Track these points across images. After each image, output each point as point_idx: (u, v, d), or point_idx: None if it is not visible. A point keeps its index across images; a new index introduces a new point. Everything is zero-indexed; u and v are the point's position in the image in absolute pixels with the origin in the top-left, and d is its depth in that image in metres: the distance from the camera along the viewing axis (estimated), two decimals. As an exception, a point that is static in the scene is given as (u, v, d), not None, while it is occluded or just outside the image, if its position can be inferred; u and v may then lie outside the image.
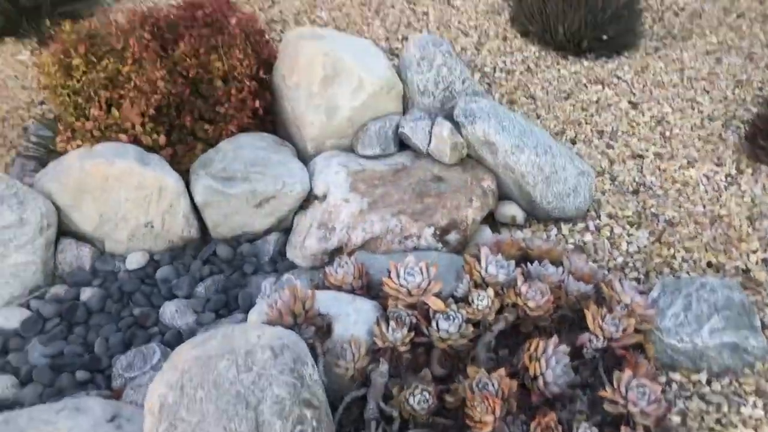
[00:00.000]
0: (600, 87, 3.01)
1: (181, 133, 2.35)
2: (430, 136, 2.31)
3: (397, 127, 2.36)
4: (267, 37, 2.62)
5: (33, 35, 2.98)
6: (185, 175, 2.26)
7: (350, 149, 2.41)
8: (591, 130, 2.77)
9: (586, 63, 3.16)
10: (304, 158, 2.41)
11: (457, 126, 2.30)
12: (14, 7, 2.90)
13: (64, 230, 2.21)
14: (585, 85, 3.03)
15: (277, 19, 3.32)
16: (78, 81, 2.23)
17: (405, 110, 2.46)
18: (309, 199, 2.27)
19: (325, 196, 2.23)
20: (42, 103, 2.73)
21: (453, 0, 3.52)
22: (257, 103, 2.44)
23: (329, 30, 2.63)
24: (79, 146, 2.21)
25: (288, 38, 2.48)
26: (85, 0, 3.16)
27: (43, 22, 2.94)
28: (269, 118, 2.58)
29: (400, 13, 3.40)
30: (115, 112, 2.22)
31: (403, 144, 2.40)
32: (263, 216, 2.25)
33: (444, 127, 2.26)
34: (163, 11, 2.45)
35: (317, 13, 3.37)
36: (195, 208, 2.24)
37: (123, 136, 2.22)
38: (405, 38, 3.24)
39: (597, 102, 2.93)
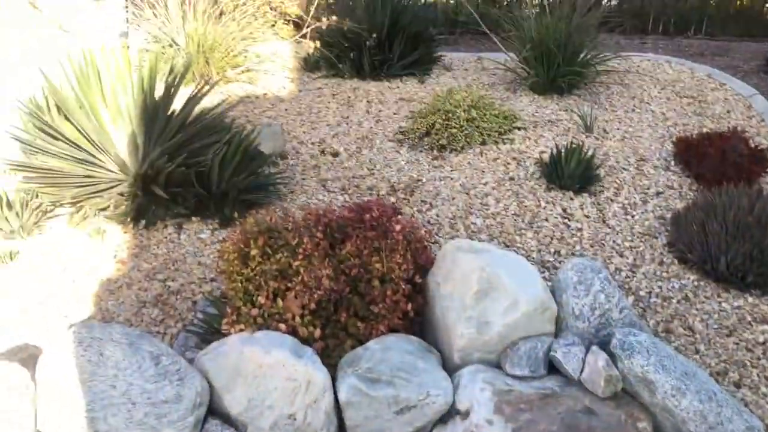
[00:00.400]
0: (767, 327, 2.82)
1: (334, 327, 2.43)
2: (583, 364, 2.23)
3: (549, 349, 2.31)
4: (426, 243, 2.74)
5: (216, 217, 3.31)
6: (332, 370, 2.31)
7: (497, 365, 2.37)
8: (758, 375, 2.57)
9: (750, 299, 3.00)
10: (449, 367, 2.40)
11: (612, 357, 2.22)
12: (207, 193, 3.27)
13: (212, 409, 2.29)
14: (750, 324, 2.85)
15: (433, 222, 3.49)
16: (252, 270, 2.42)
17: (557, 332, 2.42)
18: (450, 413, 2.23)
19: (467, 413, 2.18)
20: (213, 280, 2.96)
21: (608, 219, 3.54)
22: (409, 306, 2.50)
23: (486, 244, 2.72)
24: (241, 330, 2.35)
25: (446, 248, 2.58)
26: (264, 191, 3.51)
27: (228, 207, 3.28)
28: (418, 320, 2.62)
29: (553, 227, 3.45)
30: (279, 302, 2.36)
31: (552, 367, 2.34)
32: (402, 424, 2.22)
33: (599, 358, 2.19)
34: (335, 212, 2.66)
35: (472, 220, 3.51)
36: (337, 405, 2.26)
37: (282, 326, 2.34)
38: (557, 252, 3.26)
39: (764, 344, 2.73)
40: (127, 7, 5.72)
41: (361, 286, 2.50)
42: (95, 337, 2.20)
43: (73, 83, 3.35)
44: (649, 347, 2.18)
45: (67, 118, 3.36)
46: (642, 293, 3.03)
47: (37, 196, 3.32)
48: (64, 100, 3.33)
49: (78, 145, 3.32)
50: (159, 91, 3.52)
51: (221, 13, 5.35)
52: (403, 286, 2.50)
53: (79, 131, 3.32)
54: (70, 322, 2.69)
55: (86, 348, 2.18)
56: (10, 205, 3.15)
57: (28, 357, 2.35)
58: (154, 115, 3.39)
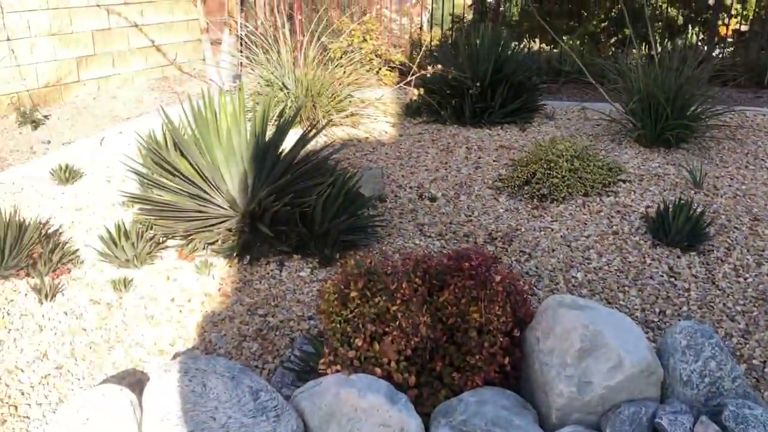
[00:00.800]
0: None
1: (429, 376, 2.42)
2: (691, 435, 2.11)
3: (654, 415, 2.20)
4: (526, 296, 2.69)
5: (316, 256, 3.39)
6: (424, 419, 2.29)
7: (596, 427, 2.28)
8: None
9: None
10: (545, 426, 2.33)
11: (724, 430, 2.08)
12: (309, 232, 3.36)
13: (304, 448, 2.31)
14: None
15: (532, 273, 3.43)
16: (351, 312, 2.45)
17: (662, 398, 2.30)
18: (546, 475, 2.15)
19: (564, 476, 2.10)
20: (311, 318, 3.02)
21: (718, 280, 3.37)
22: (506, 360, 2.45)
23: (590, 301, 2.64)
24: (338, 371, 2.37)
25: (548, 302, 2.52)
26: (363, 232, 3.57)
27: (328, 247, 3.35)
28: (514, 374, 2.56)
29: (659, 285, 3.32)
30: (376, 346, 2.38)
31: (656, 435, 2.22)
32: (495, 481, 2.16)
33: (709, 429, 2.06)
34: (434, 259, 2.66)
35: (572, 273, 3.42)
36: (429, 456, 2.23)
37: (378, 370, 2.35)
38: (662, 312, 3.13)
39: None
40: (241, 51, 6.05)
41: (457, 335, 2.48)
42: (200, 368, 2.28)
43: (191, 122, 3.56)
44: (766, 422, 2.04)
45: (183, 155, 3.56)
46: (755, 362, 2.84)
47: (151, 227, 3.51)
48: (181, 138, 3.54)
49: (192, 181, 3.51)
50: (269, 133, 3.68)
51: (329, 60, 5.56)
52: (501, 339, 2.46)
53: (194, 168, 3.51)
54: (176, 351, 2.80)
55: (191, 378, 2.26)
56: (126, 236, 3.34)
57: (135, 382, 2.47)
58: (264, 155, 3.53)
